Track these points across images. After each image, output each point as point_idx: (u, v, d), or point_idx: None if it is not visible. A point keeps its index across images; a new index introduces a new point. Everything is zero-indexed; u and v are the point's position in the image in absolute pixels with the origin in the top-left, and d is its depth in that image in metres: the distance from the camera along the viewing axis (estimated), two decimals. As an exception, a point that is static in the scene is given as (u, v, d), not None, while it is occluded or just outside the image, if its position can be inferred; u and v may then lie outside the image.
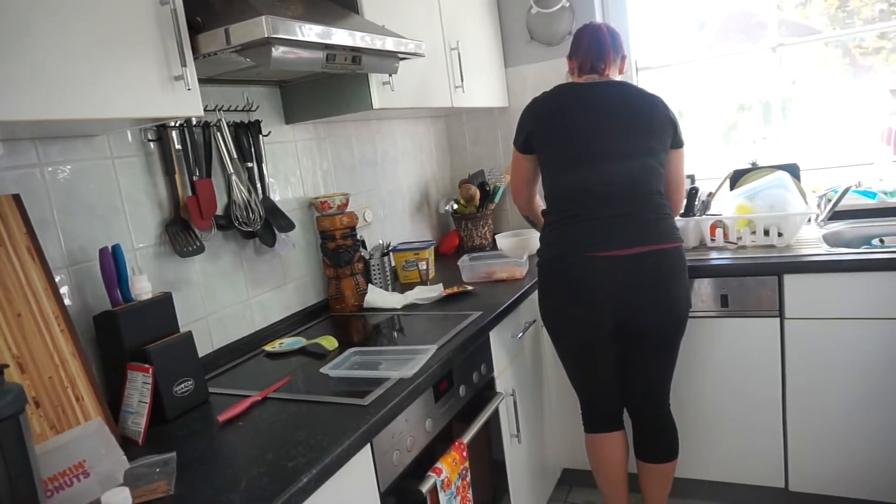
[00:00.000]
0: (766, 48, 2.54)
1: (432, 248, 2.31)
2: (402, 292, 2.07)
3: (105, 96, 1.04)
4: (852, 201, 2.33)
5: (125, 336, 1.27)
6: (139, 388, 1.26)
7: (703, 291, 2.08)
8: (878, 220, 2.28)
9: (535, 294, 2.11)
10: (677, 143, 1.81)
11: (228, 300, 1.71)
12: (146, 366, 1.26)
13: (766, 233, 2.13)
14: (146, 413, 1.24)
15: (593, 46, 1.81)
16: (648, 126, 1.74)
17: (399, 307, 1.97)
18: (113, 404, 1.27)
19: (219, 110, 1.64)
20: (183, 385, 1.33)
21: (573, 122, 1.73)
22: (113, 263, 1.29)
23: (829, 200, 2.28)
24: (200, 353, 1.52)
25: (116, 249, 1.30)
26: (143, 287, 1.33)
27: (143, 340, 1.29)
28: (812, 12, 2.54)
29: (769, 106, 2.64)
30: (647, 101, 1.77)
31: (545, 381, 2.23)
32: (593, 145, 1.71)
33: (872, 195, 2.36)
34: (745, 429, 2.10)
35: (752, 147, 2.66)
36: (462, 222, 2.69)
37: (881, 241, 2.17)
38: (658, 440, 1.91)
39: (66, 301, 1.28)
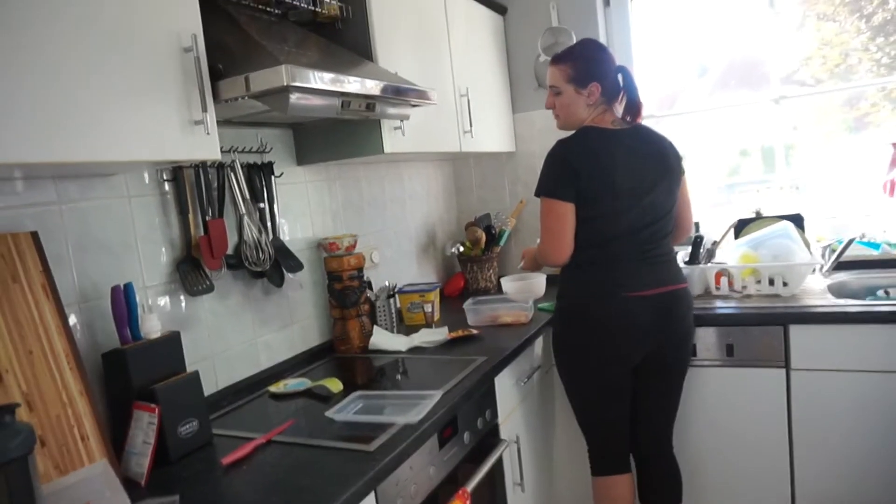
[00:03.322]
0: (769, 99, 2.59)
1: (438, 290, 2.32)
2: (407, 334, 2.06)
3: (128, 139, 1.07)
4: (857, 252, 2.34)
5: (133, 375, 1.27)
6: (144, 427, 1.25)
7: (708, 340, 2.07)
8: (882, 271, 2.29)
9: (541, 339, 2.12)
10: (683, 170, 1.86)
11: (235, 340, 1.71)
12: (152, 405, 1.25)
13: (772, 282, 2.13)
14: (150, 454, 1.23)
15: (635, 94, 1.80)
16: (668, 169, 1.79)
17: (404, 350, 1.96)
18: (117, 443, 1.26)
19: (233, 151, 1.67)
20: (188, 426, 1.32)
21: (613, 167, 1.70)
22: (124, 301, 1.30)
23: (834, 251, 2.29)
24: (206, 393, 1.51)
25: (128, 288, 1.31)
26: (152, 326, 1.33)
27: (150, 379, 1.29)
28: (812, 67, 2.61)
29: (771, 152, 2.69)
30: (663, 144, 1.82)
31: (550, 427, 2.20)
32: (631, 190, 1.71)
33: (877, 246, 2.38)
34: (752, 481, 2.07)
35: (755, 196, 2.69)
36: (467, 265, 2.71)
37: (886, 292, 2.17)
38: (664, 482, 1.94)
39: (77, 338, 1.29)
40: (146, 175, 1.48)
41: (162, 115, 1.14)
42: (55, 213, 1.28)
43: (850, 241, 2.24)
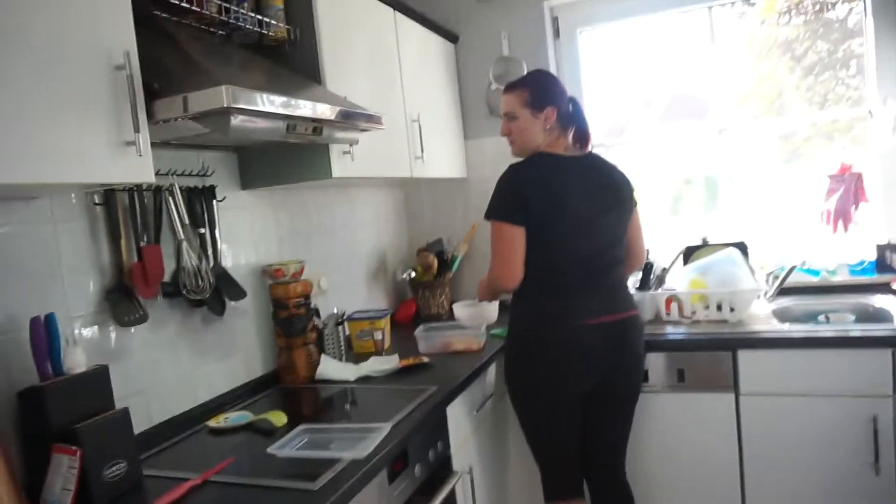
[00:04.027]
0: (712, 130, 2.67)
1: (388, 317, 2.26)
2: (356, 363, 2.00)
3: (51, 161, 0.99)
4: (798, 279, 2.41)
5: (52, 414, 1.17)
6: (64, 473, 1.15)
7: (659, 365, 2.08)
8: (822, 297, 2.37)
9: (494, 366, 2.09)
10: (635, 202, 1.89)
11: (171, 372, 1.62)
12: (73, 448, 1.15)
13: (719, 308, 2.17)
14: (70, 502, 1.12)
15: (584, 123, 1.84)
16: (620, 198, 1.81)
17: (352, 379, 1.89)
18: (34, 491, 1.15)
19: (172, 174, 1.59)
20: (114, 468, 1.22)
21: (565, 193, 1.71)
22: (45, 333, 1.20)
23: (777, 277, 2.35)
24: (138, 430, 1.41)
25: (50, 318, 1.21)
26: (76, 359, 1.23)
27: (72, 419, 1.18)
28: (751, 103, 2.71)
29: (713, 181, 2.76)
30: (614, 174, 1.85)
31: (504, 455, 2.16)
32: (582, 217, 1.72)
33: (816, 273, 2.46)
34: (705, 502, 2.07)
35: (701, 223, 2.75)
36: (419, 290, 2.66)
37: (827, 317, 2.23)
38: None
39: (-10, 375, 1.18)
40: (74, 198, 1.39)
41: (89, 135, 1.07)
42: (-31, 238, 1.19)
43: (792, 268, 2.31)
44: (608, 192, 1.79)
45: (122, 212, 1.46)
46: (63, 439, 1.17)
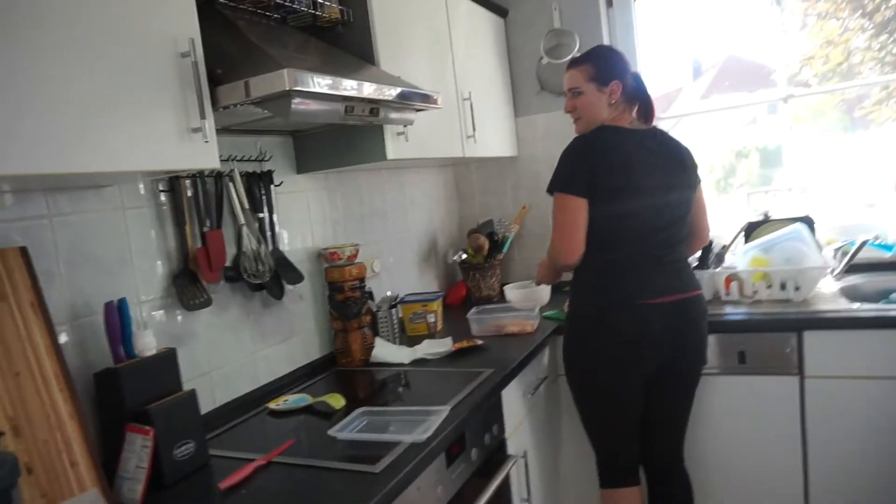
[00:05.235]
0: (777, 99, 2.54)
1: (441, 299, 2.26)
2: (409, 345, 2.01)
3: (121, 149, 1.01)
4: (868, 255, 2.28)
5: (126, 395, 1.21)
6: (137, 451, 1.19)
7: (719, 347, 2.02)
8: (894, 274, 2.24)
9: (548, 349, 2.07)
10: (699, 178, 1.85)
11: (234, 354, 1.65)
12: (146, 427, 1.19)
13: (783, 287, 2.08)
14: (144, 479, 1.17)
15: (647, 97, 1.80)
16: (684, 173, 1.77)
17: (407, 362, 1.90)
18: (109, 467, 1.20)
19: (232, 160, 1.61)
20: (184, 448, 1.26)
21: (629, 166, 1.67)
22: (118, 318, 1.24)
23: (846, 253, 2.24)
24: (202, 411, 1.45)
25: (122, 303, 1.25)
26: (147, 343, 1.27)
27: (144, 399, 1.23)
28: (815, 66, 2.56)
29: (768, 153, 2.63)
30: (680, 149, 1.79)
31: (557, 439, 2.15)
32: (645, 191, 1.68)
33: (889, 248, 2.33)
34: (766, 493, 2.01)
35: (761, 198, 2.64)
36: (470, 272, 2.65)
37: (900, 296, 2.12)
38: (676, 495, 1.89)
39: (67, 357, 1.23)
40: (141, 186, 1.42)
41: (158, 123, 1.08)
42: (45, 226, 1.23)
43: (864, 243, 2.19)
44: (673, 167, 1.74)
45: (186, 198, 1.49)
46: (136, 419, 1.21)
